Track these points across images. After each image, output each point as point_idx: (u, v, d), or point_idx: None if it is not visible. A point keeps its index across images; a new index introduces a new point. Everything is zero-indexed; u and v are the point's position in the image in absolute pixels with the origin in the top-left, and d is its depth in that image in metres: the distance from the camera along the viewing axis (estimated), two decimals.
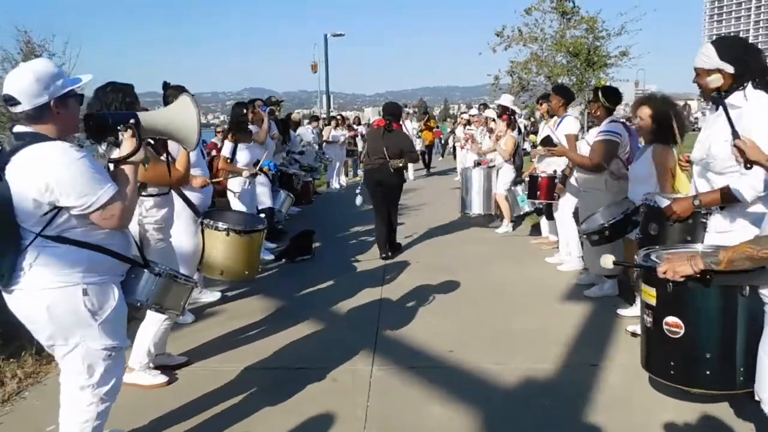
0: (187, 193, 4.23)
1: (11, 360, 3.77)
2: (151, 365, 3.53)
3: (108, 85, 3.02)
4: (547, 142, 5.33)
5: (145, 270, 2.49)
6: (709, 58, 2.70)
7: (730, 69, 2.67)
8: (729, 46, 2.72)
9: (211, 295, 5.19)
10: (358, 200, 7.53)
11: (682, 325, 2.45)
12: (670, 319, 2.48)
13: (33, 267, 2.19)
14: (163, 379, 3.52)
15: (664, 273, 2.32)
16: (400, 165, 6.58)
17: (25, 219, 2.16)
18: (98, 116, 2.40)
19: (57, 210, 2.17)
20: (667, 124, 3.87)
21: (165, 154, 3.29)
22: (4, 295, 2.28)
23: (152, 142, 3.16)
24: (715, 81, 2.67)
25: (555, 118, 6.22)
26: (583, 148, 5.21)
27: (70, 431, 2.43)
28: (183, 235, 3.94)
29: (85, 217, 2.20)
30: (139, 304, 2.52)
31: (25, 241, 2.17)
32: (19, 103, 2.15)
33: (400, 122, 7.10)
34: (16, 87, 2.15)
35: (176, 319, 3.74)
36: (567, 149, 5.39)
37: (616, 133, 4.77)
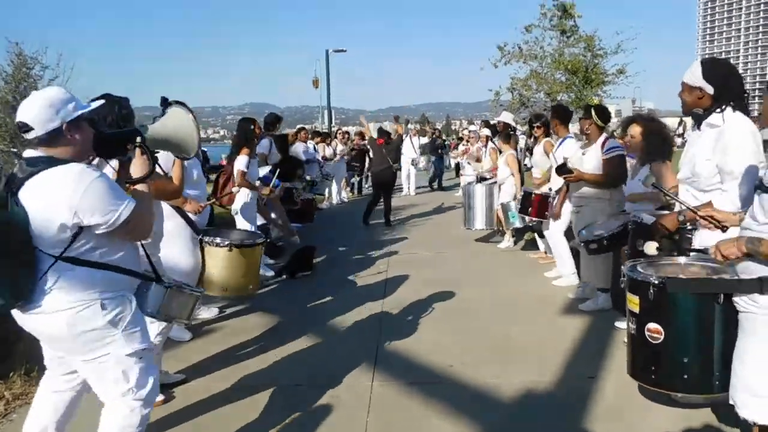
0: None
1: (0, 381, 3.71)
2: None
3: (102, 97, 2.88)
4: (563, 169, 5.16)
5: (154, 283, 2.53)
6: (694, 75, 2.84)
7: (709, 89, 2.80)
8: (714, 68, 2.83)
9: (208, 312, 5.18)
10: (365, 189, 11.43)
11: (662, 330, 2.51)
12: (652, 325, 2.56)
13: (53, 290, 2.19)
14: (159, 397, 3.48)
15: (714, 254, 2.35)
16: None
17: (43, 242, 2.16)
18: (104, 135, 2.42)
19: (79, 231, 2.18)
20: (660, 139, 3.93)
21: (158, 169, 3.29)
22: (22, 316, 2.27)
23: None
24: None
25: (555, 139, 6.17)
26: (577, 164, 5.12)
27: None
28: (182, 253, 3.83)
29: (105, 236, 2.23)
30: (148, 315, 2.56)
31: (44, 265, 2.17)
32: (32, 129, 2.17)
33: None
34: (29, 114, 2.18)
35: (167, 335, 3.74)
36: (582, 173, 5.04)
37: (621, 148, 4.87)
